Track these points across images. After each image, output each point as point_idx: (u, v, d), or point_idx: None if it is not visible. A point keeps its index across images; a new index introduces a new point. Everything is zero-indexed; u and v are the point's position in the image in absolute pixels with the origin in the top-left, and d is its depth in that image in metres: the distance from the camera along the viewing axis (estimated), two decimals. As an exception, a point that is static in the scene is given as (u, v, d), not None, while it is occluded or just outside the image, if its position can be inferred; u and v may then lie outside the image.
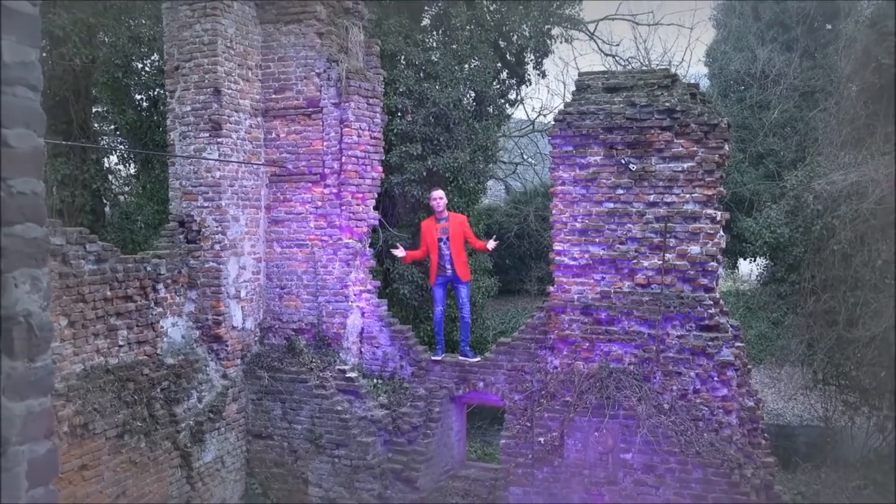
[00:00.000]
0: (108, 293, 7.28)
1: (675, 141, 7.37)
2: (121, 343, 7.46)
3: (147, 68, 12.99)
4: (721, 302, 7.57)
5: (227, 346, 8.70)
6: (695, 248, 7.39)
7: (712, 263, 7.39)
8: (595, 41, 19.30)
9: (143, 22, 12.49)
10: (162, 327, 8.10)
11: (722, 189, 7.46)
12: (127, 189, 14.54)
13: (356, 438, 8.64)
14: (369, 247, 9.39)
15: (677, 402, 7.45)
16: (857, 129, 11.38)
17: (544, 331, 8.02)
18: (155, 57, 12.66)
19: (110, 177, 14.46)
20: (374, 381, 9.01)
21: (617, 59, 20.08)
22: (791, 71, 18.19)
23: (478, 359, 8.54)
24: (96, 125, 14.24)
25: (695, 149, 7.33)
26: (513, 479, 7.99)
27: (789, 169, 16.07)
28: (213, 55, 8.39)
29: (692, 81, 8.32)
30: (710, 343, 7.37)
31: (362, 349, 9.20)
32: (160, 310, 8.07)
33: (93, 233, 7.42)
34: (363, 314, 9.18)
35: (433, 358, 8.74)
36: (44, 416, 1.90)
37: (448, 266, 8.74)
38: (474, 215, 13.86)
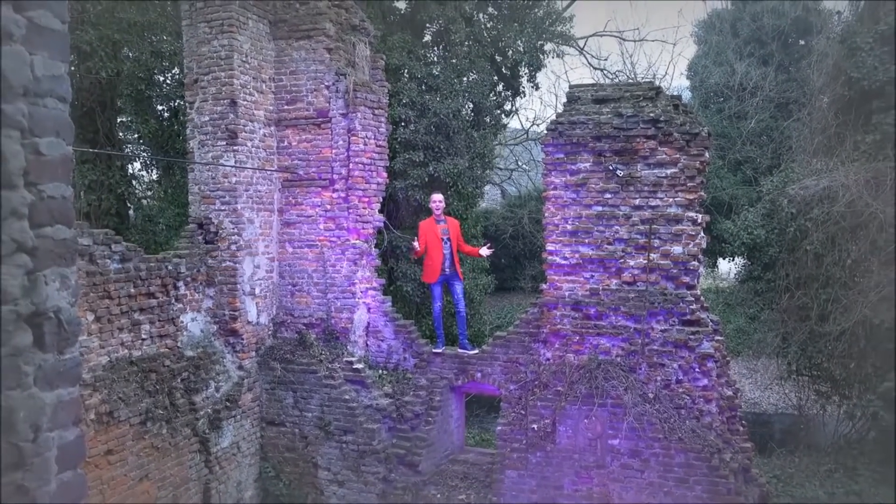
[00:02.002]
0: (132, 290, 7.28)
1: (659, 149, 7.37)
2: (144, 337, 7.45)
3: (168, 81, 12.99)
4: (702, 298, 7.57)
5: (242, 339, 8.70)
6: (677, 249, 7.39)
7: (693, 262, 7.38)
8: (585, 56, 19.34)
9: (165, 38, 12.48)
10: (182, 322, 8.09)
11: (702, 193, 7.46)
12: (149, 193, 14.52)
13: (362, 425, 8.63)
14: (375, 247, 9.39)
15: (661, 392, 7.45)
16: (829, 138, 11.38)
17: (538, 325, 8.01)
18: (176, 70, 12.65)
19: (134, 182, 14.44)
20: (380, 371, 9.01)
21: (605, 72, 20.11)
22: (767, 84, 18.19)
23: (476, 351, 8.54)
24: (121, 134, 14.22)
25: (677, 156, 7.33)
26: (508, 463, 7.99)
27: (765, 175, 16.03)
28: (229, 69, 8.39)
29: (675, 94, 8.31)
30: (691, 337, 7.37)
31: (368, 342, 9.19)
32: (180, 306, 8.07)
33: (118, 234, 7.41)
34: (369, 310, 9.17)
35: (434, 350, 8.74)
36: (72, 405, 1.91)
37: (447, 266, 8.75)
38: (472, 218, 13.85)
